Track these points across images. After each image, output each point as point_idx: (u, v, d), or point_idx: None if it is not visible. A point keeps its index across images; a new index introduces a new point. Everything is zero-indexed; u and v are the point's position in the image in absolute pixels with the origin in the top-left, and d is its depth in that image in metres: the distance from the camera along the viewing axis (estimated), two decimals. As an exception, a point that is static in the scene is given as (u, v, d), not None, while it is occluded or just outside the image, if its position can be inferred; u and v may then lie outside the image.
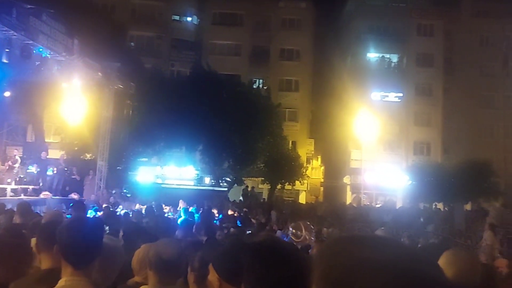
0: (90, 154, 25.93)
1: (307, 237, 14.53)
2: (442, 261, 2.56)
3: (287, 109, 40.26)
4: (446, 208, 28.94)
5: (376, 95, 41.96)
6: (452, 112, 42.67)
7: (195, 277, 2.89)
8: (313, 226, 15.74)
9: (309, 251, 8.31)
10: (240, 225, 14.97)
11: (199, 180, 32.07)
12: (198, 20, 44.63)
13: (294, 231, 15.00)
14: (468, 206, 28.84)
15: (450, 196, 27.57)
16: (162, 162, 31.62)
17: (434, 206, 30.15)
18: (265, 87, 38.58)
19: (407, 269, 0.93)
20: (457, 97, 42.96)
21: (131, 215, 12.71)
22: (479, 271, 2.61)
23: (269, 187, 32.63)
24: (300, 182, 33.48)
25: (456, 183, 27.40)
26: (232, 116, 26.98)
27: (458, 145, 41.13)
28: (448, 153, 41.18)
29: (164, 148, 29.93)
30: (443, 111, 42.64)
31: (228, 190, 29.69)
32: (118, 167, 26.81)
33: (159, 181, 32.10)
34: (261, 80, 41.86)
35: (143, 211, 13.82)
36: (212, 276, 2.16)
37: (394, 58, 43.91)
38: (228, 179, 29.93)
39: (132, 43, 42.14)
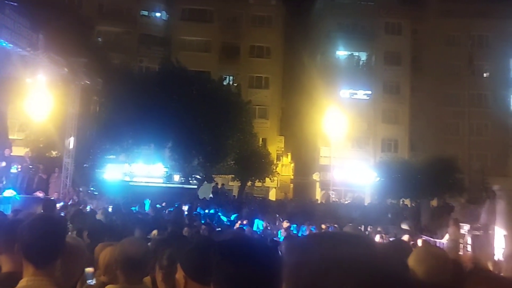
0: (56, 152, 25.36)
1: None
2: (413, 258, 2.56)
3: (257, 106, 40.30)
4: (413, 204, 29.47)
5: (345, 92, 42.39)
6: (419, 109, 43.46)
7: (163, 275, 2.87)
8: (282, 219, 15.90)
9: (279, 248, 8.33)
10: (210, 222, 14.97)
11: (168, 178, 31.74)
12: (167, 15, 44.20)
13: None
14: (434, 202, 29.43)
15: (416, 192, 28.09)
16: (130, 159, 31.17)
17: (401, 202, 30.66)
18: (235, 84, 38.44)
19: (378, 269, 0.93)
20: (423, 95, 43.76)
21: (98, 213, 12.51)
22: (450, 268, 2.62)
23: (239, 184, 32.58)
24: (270, 179, 33.55)
25: (422, 180, 27.92)
26: (202, 113, 26.80)
27: (425, 142, 41.93)
28: (415, 150, 41.93)
29: (132, 145, 29.48)
30: (410, 108, 43.41)
31: (198, 188, 29.50)
32: (85, 165, 26.30)
33: (127, 178, 31.68)
34: (231, 77, 41.76)
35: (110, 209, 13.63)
36: (179, 274, 2.16)
37: (363, 56, 44.44)
38: (198, 176, 29.70)
39: (100, 39, 41.38)
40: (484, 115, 42.62)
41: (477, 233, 16.82)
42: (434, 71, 43.50)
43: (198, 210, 20.51)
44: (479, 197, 24.06)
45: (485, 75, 44.55)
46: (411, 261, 2.51)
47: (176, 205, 16.90)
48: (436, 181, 27.75)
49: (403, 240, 9.67)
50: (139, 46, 42.31)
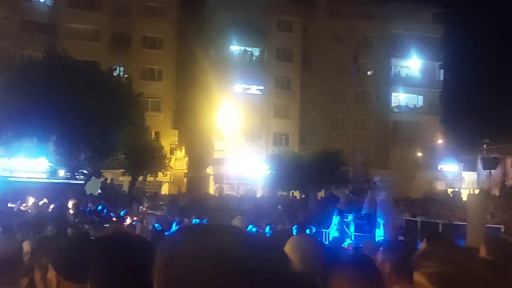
0: None
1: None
2: (288, 246, 2.67)
3: (150, 99, 39.44)
4: (302, 196, 30.61)
5: (238, 87, 42.88)
6: (308, 105, 45.22)
7: (41, 274, 2.72)
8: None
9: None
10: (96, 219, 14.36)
11: (53, 173, 30.00)
12: (52, 1, 41.55)
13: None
14: (321, 193, 30.79)
15: (305, 184, 29.18)
16: (10, 153, 28.99)
17: (291, 194, 31.72)
18: (126, 76, 37.24)
19: (250, 260, 0.93)
20: (313, 91, 45.61)
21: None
22: (323, 254, 2.77)
23: (130, 179, 31.67)
24: (163, 173, 32.96)
25: (311, 172, 29.05)
26: (90, 105, 25.53)
27: (314, 136, 43.75)
28: (304, 143, 43.58)
29: (13, 138, 27.37)
30: (301, 104, 45.00)
31: (85, 183, 28.18)
32: (-44, 159, 24.07)
33: (6, 174, 29.44)
34: (122, 68, 40.35)
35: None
36: (51, 274, 2.08)
37: (256, 51, 45.20)
38: (85, 171, 28.34)
39: (-25, 23, 37.97)
40: (368, 111, 45.45)
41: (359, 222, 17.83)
42: (322, 68, 45.47)
43: (86, 207, 19.66)
44: (362, 188, 25.55)
45: (368, 73, 47.41)
46: (287, 249, 2.61)
47: (58, 202, 15.99)
48: (323, 173, 29.02)
49: (288, 230, 9.99)
50: (21, 33, 39.36)
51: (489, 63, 73.65)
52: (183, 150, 45.16)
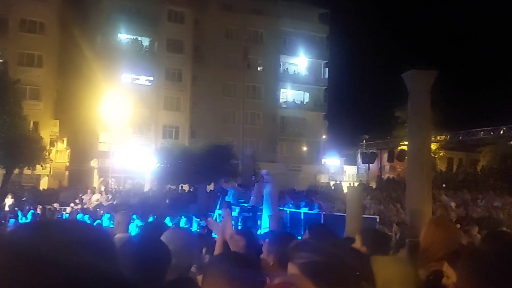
0: None
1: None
2: (163, 239, 2.70)
3: (28, 86, 36.86)
4: (191, 189, 30.44)
5: (127, 77, 41.50)
6: (199, 98, 45.08)
7: None
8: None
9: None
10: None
11: None
12: None
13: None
14: (211, 187, 30.84)
15: (195, 177, 29.01)
16: None
17: (180, 188, 31.40)
18: (1, 60, 34.34)
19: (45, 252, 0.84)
20: (204, 84, 45.52)
21: None
22: (196, 246, 2.77)
23: (4, 172, 29.31)
24: (41, 166, 30.90)
25: (201, 165, 28.96)
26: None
27: (204, 129, 43.72)
28: (195, 137, 43.43)
29: None
30: (191, 96, 44.74)
31: (-48, 177, 25.66)
32: None
33: None
34: (-4, 52, 37.17)
35: None
36: None
37: (146, 41, 44.07)
38: (-49, 163, 25.80)
39: None
40: (257, 106, 46.42)
41: (246, 214, 18.07)
42: (214, 61, 45.58)
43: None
44: (250, 181, 25.99)
45: (259, 69, 48.39)
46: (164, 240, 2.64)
47: None
48: (213, 166, 29.08)
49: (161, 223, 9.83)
50: None
51: (369, 64, 78.71)
52: (65, 142, 42.75)
